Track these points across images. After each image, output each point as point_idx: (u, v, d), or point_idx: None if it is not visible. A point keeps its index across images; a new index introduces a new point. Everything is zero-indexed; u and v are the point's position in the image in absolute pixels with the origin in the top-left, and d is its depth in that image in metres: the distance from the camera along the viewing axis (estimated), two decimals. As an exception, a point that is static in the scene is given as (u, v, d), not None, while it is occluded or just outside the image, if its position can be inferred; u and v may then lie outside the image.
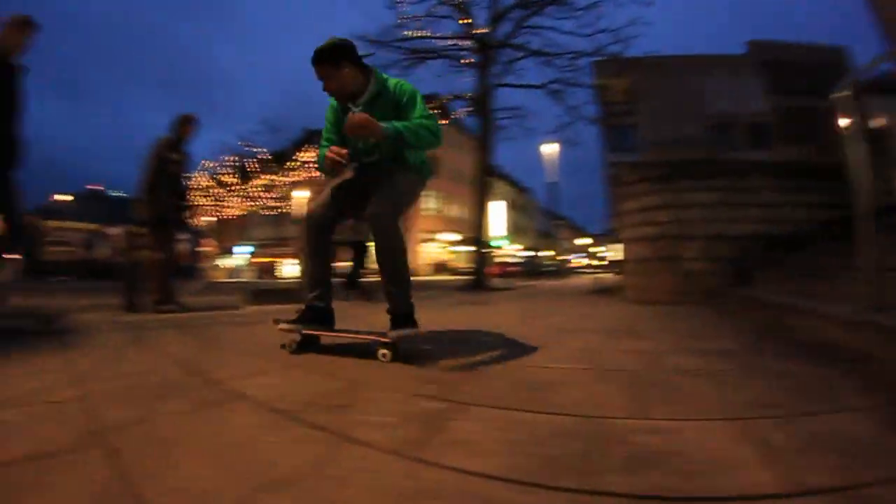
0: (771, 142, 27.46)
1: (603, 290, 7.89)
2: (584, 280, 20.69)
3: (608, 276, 15.48)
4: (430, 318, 3.35)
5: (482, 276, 10.58)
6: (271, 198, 28.34)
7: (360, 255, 6.18)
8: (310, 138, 30.80)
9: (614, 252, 30.08)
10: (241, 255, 44.47)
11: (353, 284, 6.01)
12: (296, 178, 28.67)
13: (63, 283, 13.13)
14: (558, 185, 24.14)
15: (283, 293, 5.86)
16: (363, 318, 3.57)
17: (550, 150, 23.57)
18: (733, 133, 28.21)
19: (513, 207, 57.55)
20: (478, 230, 10.97)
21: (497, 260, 46.68)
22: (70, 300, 5.93)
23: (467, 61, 10.80)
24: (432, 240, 41.07)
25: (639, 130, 28.30)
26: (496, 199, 51.90)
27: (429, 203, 39.24)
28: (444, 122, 13.06)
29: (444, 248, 42.22)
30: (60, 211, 15.51)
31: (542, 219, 74.15)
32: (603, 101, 13.70)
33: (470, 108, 11.37)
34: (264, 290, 6.28)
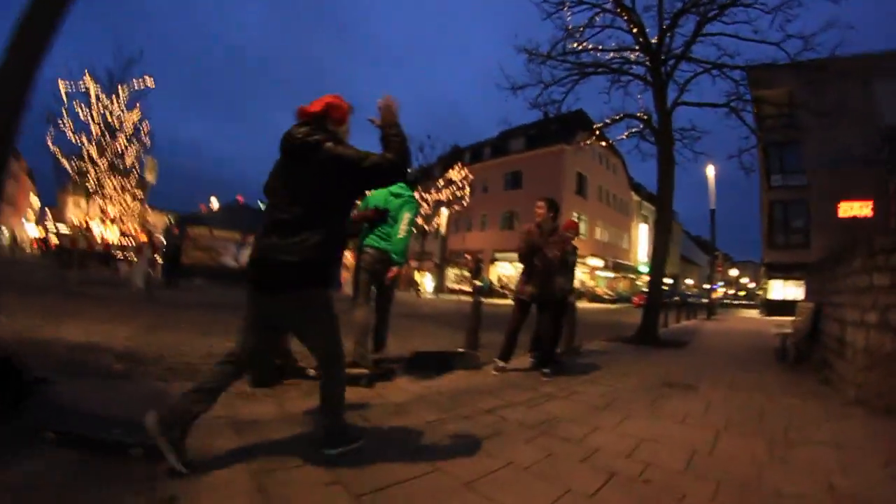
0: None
1: (795, 359, 6.45)
2: (746, 323, 18.58)
3: (781, 322, 13.28)
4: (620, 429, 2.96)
5: (654, 325, 8.83)
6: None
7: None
8: (458, 156, 31.82)
9: (766, 290, 26.48)
10: None
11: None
12: (440, 196, 29.63)
13: (201, 286, 14.74)
14: (714, 213, 22.04)
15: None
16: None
17: (711, 172, 21.76)
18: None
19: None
20: (658, 271, 9.35)
21: (644, 289, 43.60)
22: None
23: (641, 77, 9.70)
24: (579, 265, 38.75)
25: (804, 148, 24.17)
26: (640, 221, 49.15)
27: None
28: (603, 144, 12.27)
29: (590, 273, 39.78)
30: (205, 219, 18.19)
31: (686, 243, 68.23)
32: (760, 115, 11.66)
33: (640, 129, 10.17)
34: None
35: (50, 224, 48.90)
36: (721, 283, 64.11)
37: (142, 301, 8.62)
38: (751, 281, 73.86)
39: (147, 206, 40.58)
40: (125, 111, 23.49)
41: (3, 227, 42.96)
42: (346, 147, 2.12)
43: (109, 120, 23.15)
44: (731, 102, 9.29)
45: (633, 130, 10.31)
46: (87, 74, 21.84)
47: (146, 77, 23.37)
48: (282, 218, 2.04)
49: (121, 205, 31.60)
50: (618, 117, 10.09)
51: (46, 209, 55.64)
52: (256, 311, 2.12)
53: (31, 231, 52.06)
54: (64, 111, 21.58)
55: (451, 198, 29.95)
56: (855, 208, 23.23)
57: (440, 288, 34.25)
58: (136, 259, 11.15)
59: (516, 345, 4.80)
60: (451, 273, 39.72)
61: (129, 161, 25.54)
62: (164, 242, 13.85)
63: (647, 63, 9.41)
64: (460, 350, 5.04)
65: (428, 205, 29.42)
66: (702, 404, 3.77)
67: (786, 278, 24.89)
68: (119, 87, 23.11)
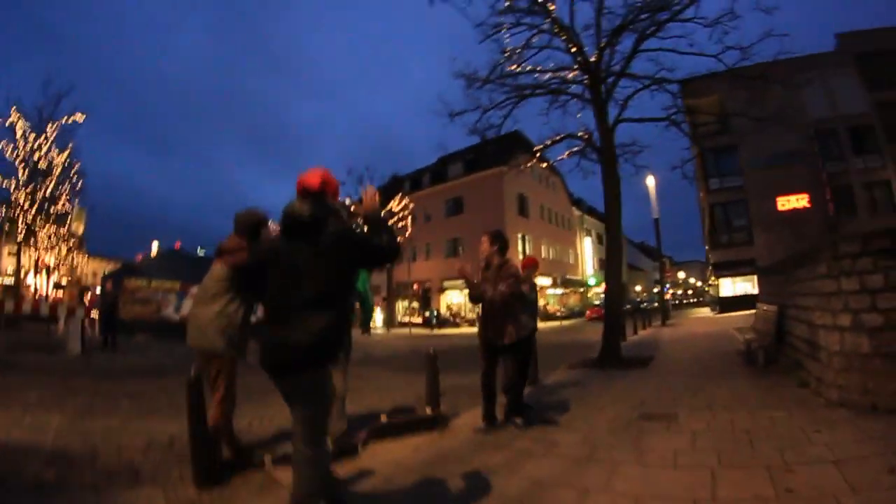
0: (880, 145, 24.21)
1: (764, 361, 6.27)
2: (702, 324, 18.71)
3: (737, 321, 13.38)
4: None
5: (617, 345, 8.43)
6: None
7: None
8: (397, 185, 31.43)
9: (716, 288, 27.40)
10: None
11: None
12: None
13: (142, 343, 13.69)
14: (659, 221, 22.67)
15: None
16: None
17: (651, 183, 22.51)
18: (835, 140, 25.02)
19: (599, 242, 55.16)
20: (614, 291, 9.13)
21: (595, 302, 44.32)
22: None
23: (580, 96, 9.63)
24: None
25: (740, 151, 25.72)
26: (584, 235, 50.22)
27: (521, 246, 37.06)
28: (543, 165, 12.25)
29: (539, 292, 39.48)
30: (142, 269, 16.93)
31: (630, 250, 70.07)
32: (694, 123, 12.07)
33: (581, 148, 10.04)
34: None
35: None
36: (668, 286, 66.42)
37: (77, 369, 7.76)
38: (697, 279, 76.60)
39: (83, 255, 37.69)
40: (55, 150, 21.65)
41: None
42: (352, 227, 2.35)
43: (38, 159, 21.14)
44: (671, 116, 9.36)
45: (574, 150, 10.20)
46: (13, 109, 19.90)
47: (77, 114, 21.58)
48: (292, 302, 2.01)
49: (55, 254, 29.19)
50: (558, 138, 9.96)
51: None
52: (281, 392, 2.12)
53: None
54: None
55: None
56: (793, 201, 24.77)
57: (390, 322, 33.30)
58: (68, 320, 9.99)
59: (496, 394, 4.29)
60: (400, 305, 38.86)
61: (60, 206, 23.65)
62: (98, 299, 12.60)
63: (586, 82, 9.30)
64: (424, 416, 4.40)
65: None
66: (687, 438, 3.46)
67: (734, 275, 25.90)
68: (48, 124, 21.17)
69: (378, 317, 30.48)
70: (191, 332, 3.01)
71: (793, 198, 24.79)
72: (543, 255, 40.14)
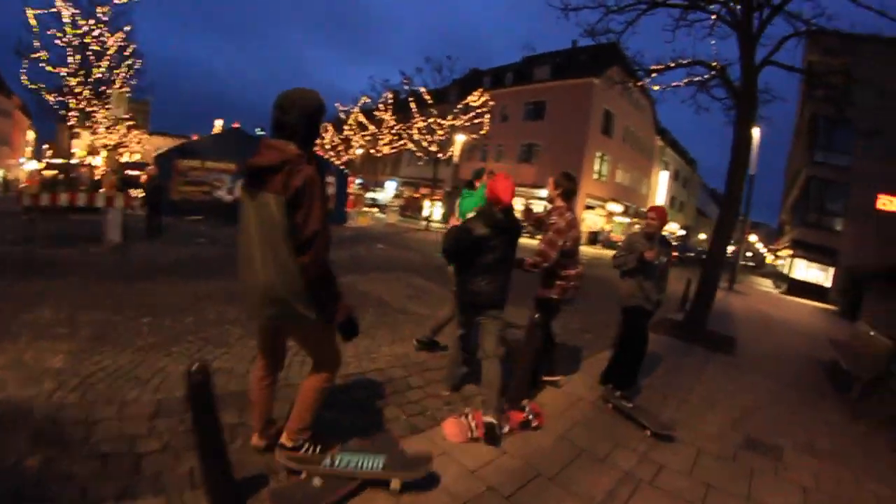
0: None
1: (857, 396, 5.54)
2: (773, 304, 17.23)
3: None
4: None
5: (704, 317, 7.73)
6: (429, 139, 27.72)
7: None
8: (477, 80, 29.30)
9: (789, 267, 25.14)
10: (387, 192, 45.77)
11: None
12: (456, 122, 27.59)
13: (190, 226, 13.35)
14: (754, 179, 20.34)
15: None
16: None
17: (757, 135, 19.76)
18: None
19: (675, 178, 51.39)
20: (720, 245, 8.17)
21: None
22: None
23: (727, 21, 8.10)
24: (595, 207, 35.22)
25: (854, 128, 22.09)
26: (661, 168, 46.61)
27: (598, 166, 34.64)
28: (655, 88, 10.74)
29: (607, 217, 37.26)
30: (196, 150, 16.16)
31: (703, 196, 65.62)
32: (813, 85, 10.22)
33: (704, 79, 8.83)
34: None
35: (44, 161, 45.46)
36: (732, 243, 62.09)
37: (109, 266, 7.06)
38: (764, 245, 71.42)
39: (143, 133, 38.30)
40: (107, 33, 20.84)
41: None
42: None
43: (90, 43, 20.49)
44: (826, 73, 8.14)
45: (696, 79, 8.93)
46: None
47: None
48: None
49: (116, 134, 30.07)
50: (685, 62, 8.61)
51: (45, 145, 51.71)
52: None
53: (32, 168, 49.07)
54: (35, 42, 18.96)
55: (467, 124, 27.75)
56: (894, 203, 21.78)
57: (447, 217, 32.75)
58: (107, 208, 9.34)
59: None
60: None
61: (118, 87, 22.72)
62: (145, 184, 11.93)
63: (737, 5, 7.74)
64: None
65: (443, 130, 27.35)
66: (798, 496, 3.11)
67: (810, 259, 23.67)
68: (97, 7, 20.26)
69: (437, 211, 30.04)
70: None
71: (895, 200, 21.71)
72: (618, 180, 37.88)
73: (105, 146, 29.77)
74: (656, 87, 10.13)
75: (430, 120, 27.56)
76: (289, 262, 2.00)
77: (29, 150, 53.12)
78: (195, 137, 21.88)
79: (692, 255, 31.30)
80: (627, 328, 4.23)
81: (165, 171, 14.99)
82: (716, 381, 5.38)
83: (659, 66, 9.24)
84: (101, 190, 10.34)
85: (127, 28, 21.79)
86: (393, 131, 30.29)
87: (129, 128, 34.26)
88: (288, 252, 2.00)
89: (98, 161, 27.60)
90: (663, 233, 4.25)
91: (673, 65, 8.86)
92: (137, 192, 12.99)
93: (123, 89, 18.79)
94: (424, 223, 27.90)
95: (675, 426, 3.78)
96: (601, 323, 6.99)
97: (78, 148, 30.15)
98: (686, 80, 9.10)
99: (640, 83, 10.56)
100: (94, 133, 25.92)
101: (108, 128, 26.72)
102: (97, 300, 5.00)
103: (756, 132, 19.33)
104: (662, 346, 6.44)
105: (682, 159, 53.95)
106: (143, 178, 11.92)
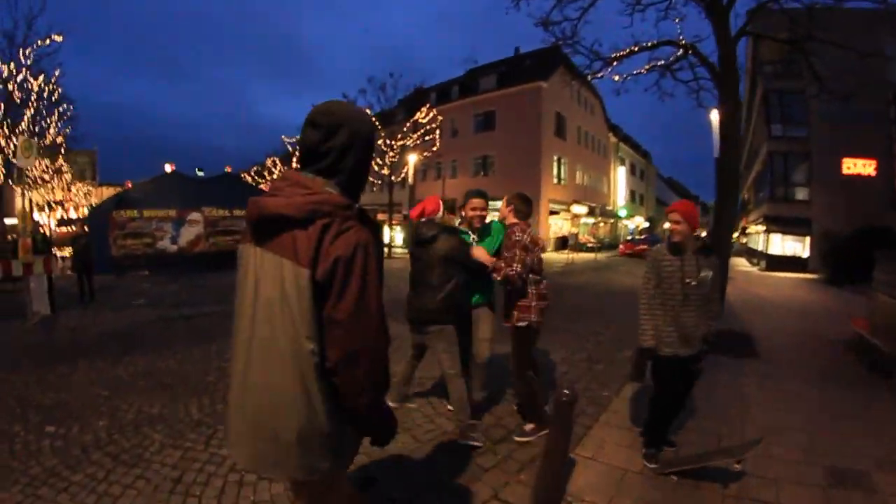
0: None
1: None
2: (762, 285, 16.41)
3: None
4: None
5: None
6: (379, 163, 26.38)
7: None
8: (422, 97, 28.18)
9: (766, 243, 24.80)
10: None
11: None
12: (406, 142, 26.36)
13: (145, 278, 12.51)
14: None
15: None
16: None
17: (715, 118, 19.28)
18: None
19: (632, 173, 51.73)
20: (725, 236, 7.27)
21: (628, 237, 41.92)
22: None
23: None
24: (559, 212, 34.76)
25: (808, 99, 22.19)
26: (618, 164, 46.64)
27: (556, 170, 34.14)
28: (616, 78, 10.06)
29: (572, 220, 36.76)
30: (134, 199, 14.61)
31: (660, 185, 66.26)
32: (762, 59, 9.88)
33: (668, 63, 8.33)
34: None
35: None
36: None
37: (29, 346, 6.10)
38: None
39: (90, 185, 36.13)
40: (31, 77, 18.68)
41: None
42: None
43: (12, 91, 18.64)
44: (796, 39, 7.37)
45: (658, 63, 8.47)
46: None
47: (54, 34, 18.72)
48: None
49: (57, 189, 27.90)
50: (649, 44, 7.99)
51: None
52: None
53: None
54: None
55: (418, 142, 26.49)
56: (858, 166, 21.97)
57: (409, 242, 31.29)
58: (28, 277, 8.08)
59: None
60: (420, 225, 36.73)
61: (49, 139, 21.41)
62: (71, 247, 10.93)
63: None
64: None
65: (393, 151, 25.97)
66: None
67: (785, 232, 23.54)
68: (20, 51, 18.15)
69: (398, 236, 28.68)
70: None
71: (860, 162, 21.82)
72: (578, 181, 37.47)
73: (49, 203, 27.56)
74: (617, 78, 9.43)
75: (378, 141, 26.19)
76: (311, 380, 1.23)
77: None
78: (129, 185, 20.16)
79: (658, 245, 30.53)
80: (663, 385, 3.05)
81: (101, 224, 14.05)
82: (761, 399, 4.53)
83: (620, 53, 8.56)
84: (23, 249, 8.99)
85: (56, 72, 19.50)
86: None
87: (72, 181, 31.88)
88: (311, 365, 1.22)
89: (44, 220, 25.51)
90: (697, 234, 3.06)
91: (636, 49, 8.22)
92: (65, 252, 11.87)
93: (31, 138, 16.97)
94: (386, 250, 26.38)
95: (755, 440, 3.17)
96: (606, 344, 6.40)
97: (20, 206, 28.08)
98: (648, 66, 8.54)
99: (599, 74, 9.74)
100: (30, 189, 23.76)
101: (44, 182, 24.64)
102: (19, 394, 4.22)
103: (715, 114, 18.93)
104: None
105: (636, 153, 54.75)
106: (68, 234, 10.70)
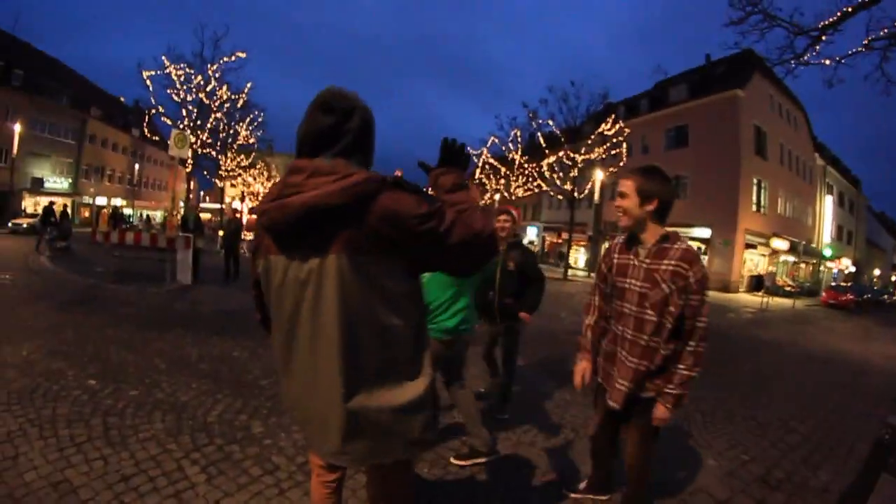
0: None
1: None
2: None
3: None
4: None
5: None
6: (561, 177, 25.79)
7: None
8: (610, 111, 27.32)
9: None
10: (528, 237, 44.68)
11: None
12: (590, 156, 25.49)
13: None
14: None
15: None
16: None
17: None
18: None
19: (840, 203, 43.30)
20: None
21: (832, 283, 35.31)
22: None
23: None
24: (757, 245, 29.69)
25: None
26: (825, 192, 39.48)
27: (756, 195, 29.40)
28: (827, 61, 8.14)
29: (770, 257, 31.63)
30: None
31: (871, 222, 54.81)
32: None
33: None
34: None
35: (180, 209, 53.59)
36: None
37: (155, 312, 6.76)
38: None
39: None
40: (218, 87, 23.88)
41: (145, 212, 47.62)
42: None
43: (203, 99, 23.49)
44: None
45: (882, 33, 6.52)
46: (165, 59, 21.77)
47: (238, 52, 23.56)
48: None
49: (261, 183, 34.69)
50: (850, 9, 6.42)
51: (202, 192, 59.95)
52: None
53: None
54: (152, 99, 22.07)
55: (604, 156, 25.39)
56: None
57: (593, 265, 29.51)
58: (175, 250, 9.67)
59: None
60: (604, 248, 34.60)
61: (242, 139, 27.31)
62: (224, 228, 12.56)
63: None
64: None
65: (576, 167, 25.23)
66: None
67: None
68: (209, 66, 23.46)
69: (581, 258, 27.68)
70: None
71: None
72: (779, 210, 31.93)
73: (243, 193, 34.00)
74: (826, 62, 7.56)
75: (560, 153, 25.61)
76: (406, 357, 1.24)
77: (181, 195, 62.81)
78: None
79: (867, 296, 25.52)
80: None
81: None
82: None
83: (830, 20, 6.81)
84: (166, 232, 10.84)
85: (248, 85, 25.06)
86: (525, 172, 28.73)
87: (269, 177, 39.70)
88: (401, 340, 1.21)
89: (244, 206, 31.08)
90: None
91: (850, 9, 6.49)
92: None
93: (185, 130, 20.36)
94: (562, 271, 25.39)
95: None
96: (797, 452, 3.81)
97: (228, 196, 34.57)
98: (868, 40, 6.64)
99: (804, 57, 7.89)
100: (232, 184, 29.08)
101: (235, 178, 30.47)
102: (98, 346, 4.72)
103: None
104: None
105: (846, 179, 45.50)
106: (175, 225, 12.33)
